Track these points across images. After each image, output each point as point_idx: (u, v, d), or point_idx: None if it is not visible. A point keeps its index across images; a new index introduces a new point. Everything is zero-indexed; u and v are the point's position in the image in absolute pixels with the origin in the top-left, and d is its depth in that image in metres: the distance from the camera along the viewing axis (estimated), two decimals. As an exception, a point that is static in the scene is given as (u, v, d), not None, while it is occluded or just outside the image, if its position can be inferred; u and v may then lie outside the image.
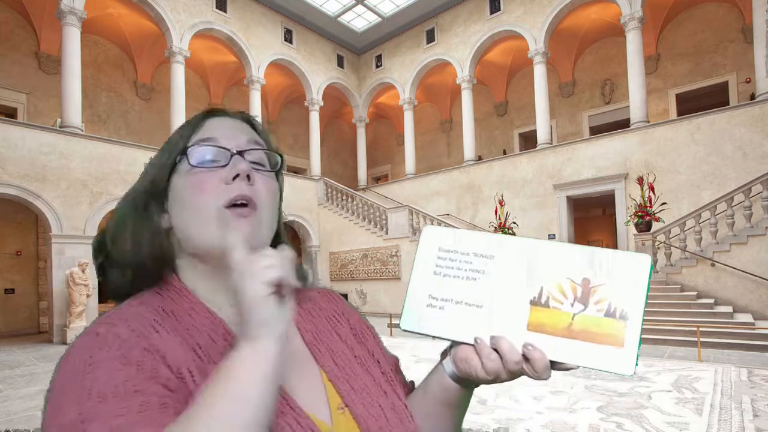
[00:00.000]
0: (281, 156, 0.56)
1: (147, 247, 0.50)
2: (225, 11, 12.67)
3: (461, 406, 0.54)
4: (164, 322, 0.45)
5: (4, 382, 5.40)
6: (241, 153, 0.50)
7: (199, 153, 0.50)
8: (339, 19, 14.94)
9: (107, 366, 0.38)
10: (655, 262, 8.61)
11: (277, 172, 0.56)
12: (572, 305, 0.45)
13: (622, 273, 0.44)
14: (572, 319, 0.44)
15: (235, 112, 0.57)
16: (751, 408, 3.69)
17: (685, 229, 8.53)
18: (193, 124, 0.53)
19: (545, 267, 0.46)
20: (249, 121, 0.58)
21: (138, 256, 0.50)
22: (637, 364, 0.42)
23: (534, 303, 0.46)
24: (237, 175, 0.48)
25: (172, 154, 0.51)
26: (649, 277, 0.44)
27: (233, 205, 0.48)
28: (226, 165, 0.49)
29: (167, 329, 0.44)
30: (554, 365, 0.45)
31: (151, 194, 0.51)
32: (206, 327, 0.47)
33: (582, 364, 0.44)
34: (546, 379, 0.44)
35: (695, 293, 7.87)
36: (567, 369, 0.44)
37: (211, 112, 0.55)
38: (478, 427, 3.37)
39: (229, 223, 0.47)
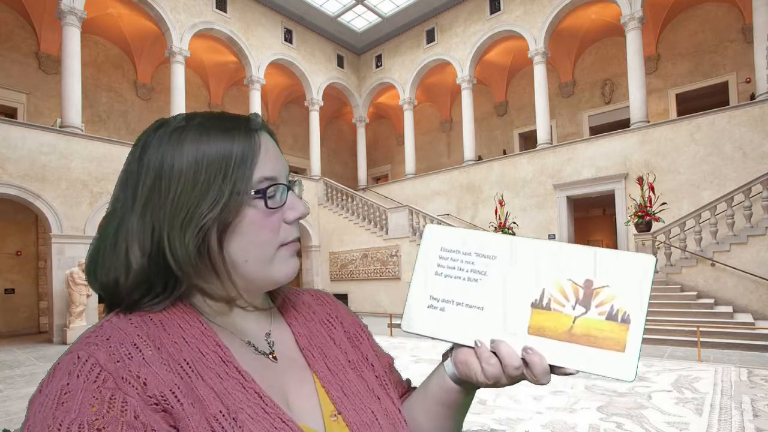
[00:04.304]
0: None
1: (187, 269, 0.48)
2: (225, 11, 12.67)
3: (462, 407, 0.54)
4: (149, 336, 0.44)
5: (4, 382, 5.40)
6: (289, 187, 0.52)
7: (274, 196, 0.50)
8: (339, 19, 14.94)
9: (80, 398, 0.38)
10: (655, 262, 8.60)
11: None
12: (573, 308, 0.44)
13: (625, 274, 0.43)
14: (573, 322, 0.43)
15: (264, 125, 0.54)
16: (751, 408, 3.69)
17: (685, 229, 8.53)
18: (255, 150, 0.49)
19: (547, 268, 0.45)
20: (268, 130, 0.55)
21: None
22: (637, 369, 0.41)
23: (535, 305, 0.45)
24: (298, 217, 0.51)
25: (236, 185, 0.47)
26: (653, 279, 0.43)
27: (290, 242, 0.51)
28: (284, 204, 0.50)
29: (151, 346, 0.43)
30: (554, 370, 0.44)
31: (219, 227, 0.48)
32: (195, 338, 0.46)
33: (582, 369, 0.43)
34: (545, 384, 0.44)
35: (695, 293, 7.87)
36: (567, 374, 0.44)
37: (258, 128, 0.51)
38: (478, 427, 3.37)
39: (286, 260, 0.51)
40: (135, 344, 0.42)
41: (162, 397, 0.40)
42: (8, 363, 6.69)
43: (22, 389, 4.99)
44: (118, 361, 0.40)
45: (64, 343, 8.49)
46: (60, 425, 0.36)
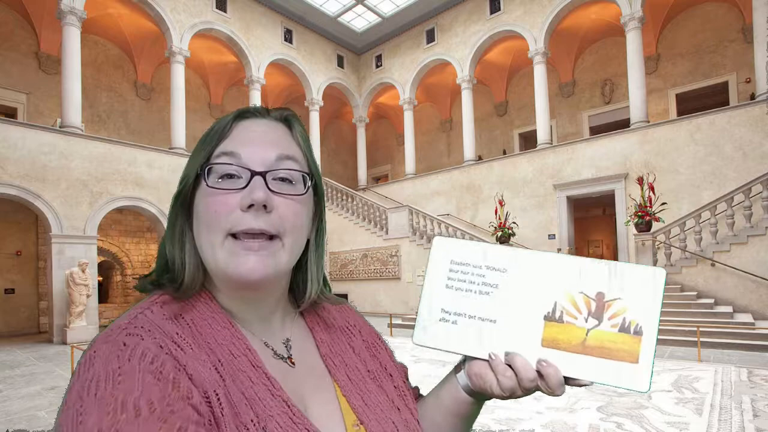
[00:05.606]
0: (313, 175, 0.51)
1: (174, 254, 0.49)
2: (225, 11, 12.67)
3: (472, 416, 0.55)
4: (185, 335, 0.43)
5: (4, 382, 5.40)
6: (264, 174, 0.46)
7: (217, 172, 0.46)
8: (339, 19, 14.94)
9: (140, 379, 0.35)
10: (655, 262, 8.60)
11: (315, 192, 0.53)
12: (586, 320, 0.44)
13: (637, 287, 0.43)
14: (586, 334, 0.44)
15: (272, 111, 0.52)
16: (751, 408, 3.69)
17: (685, 229, 8.53)
18: (220, 130, 0.48)
19: (559, 281, 0.46)
20: (288, 120, 0.52)
21: (171, 262, 0.49)
22: (651, 380, 0.42)
23: (548, 318, 0.46)
24: (252, 205, 0.44)
25: (195, 166, 0.47)
26: (663, 291, 0.43)
27: (246, 235, 0.45)
28: (245, 187, 0.45)
29: (191, 344, 0.42)
30: (568, 381, 0.44)
31: (179, 205, 0.49)
32: (226, 340, 0.46)
33: (596, 381, 0.43)
34: (560, 395, 0.44)
35: (695, 293, 7.87)
36: (581, 385, 0.44)
37: (243, 114, 0.50)
38: (478, 427, 3.37)
39: (237, 254, 0.44)
40: (175, 341, 0.41)
41: (206, 395, 0.39)
42: (8, 363, 6.69)
43: (22, 389, 4.99)
44: (167, 353, 0.39)
45: (64, 342, 8.49)
46: (123, 402, 0.33)
